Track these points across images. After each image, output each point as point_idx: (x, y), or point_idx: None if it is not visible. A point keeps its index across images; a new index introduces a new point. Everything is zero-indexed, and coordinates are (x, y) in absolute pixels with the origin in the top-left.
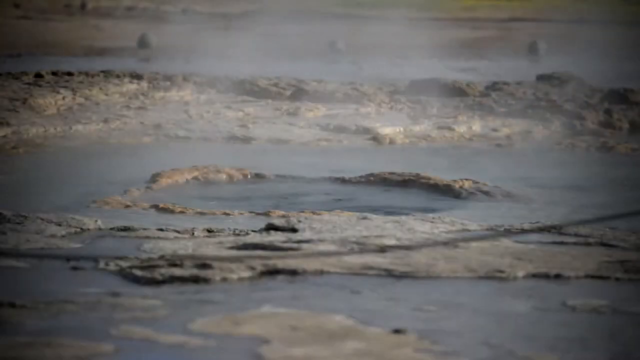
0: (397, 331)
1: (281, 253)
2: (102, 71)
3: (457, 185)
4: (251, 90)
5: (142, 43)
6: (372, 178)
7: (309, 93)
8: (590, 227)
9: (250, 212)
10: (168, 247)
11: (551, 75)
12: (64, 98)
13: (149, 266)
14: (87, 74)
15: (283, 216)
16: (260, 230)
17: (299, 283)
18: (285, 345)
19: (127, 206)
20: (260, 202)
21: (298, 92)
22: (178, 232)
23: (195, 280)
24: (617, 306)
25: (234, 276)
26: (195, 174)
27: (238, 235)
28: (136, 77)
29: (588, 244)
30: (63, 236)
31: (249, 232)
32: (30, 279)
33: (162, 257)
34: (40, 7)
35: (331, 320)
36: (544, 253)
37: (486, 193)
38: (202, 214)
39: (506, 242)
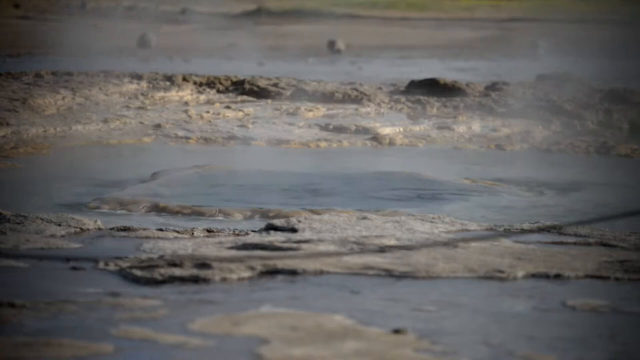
0: (396, 331)
1: (281, 253)
2: (102, 71)
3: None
4: (251, 90)
5: (142, 43)
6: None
7: (309, 93)
8: (590, 227)
9: (250, 212)
10: (168, 247)
11: (551, 75)
12: (63, 98)
13: (149, 266)
14: (87, 74)
15: (283, 216)
16: (260, 230)
17: (298, 283)
18: (285, 345)
19: (127, 206)
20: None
21: (298, 92)
22: (178, 232)
23: (195, 280)
24: (617, 306)
25: (234, 276)
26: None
27: (238, 235)
28: (136, 77)
29: (588, 244)
30: (63, 236)
31: (249, 232)
32: (30, 279)
33: (161, 257)
34: (40, 7)
35: (331, 320)
36: (544, 253)
37: (486, 193)
38: (201, 214)
39: (506, 242)
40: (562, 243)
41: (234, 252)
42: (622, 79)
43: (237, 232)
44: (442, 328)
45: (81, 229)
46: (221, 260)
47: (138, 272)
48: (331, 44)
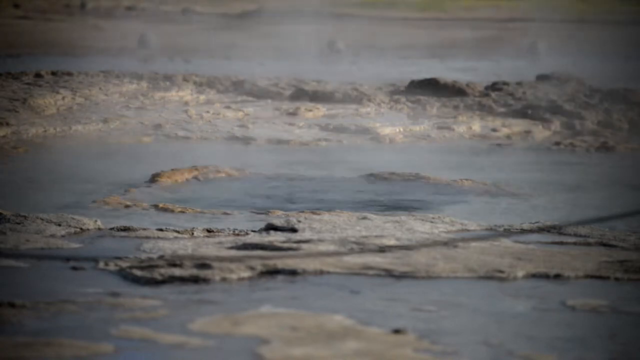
0: (396, 331)
1: (281, 253)
2: (102, 71)
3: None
4: (251, 90)
5: (142, 43)
6: (372, 178)
7: (309, 93)
8: (590, 227)
9: (251, 212)
10: (168, 247)
11: (551, 75)
12: (63, 98)
13: (149, 266)
14: (87, 74)
15: (283, 216)
16: (260, 230)
17: (298, 283)
18: (285, 345)
19: (127, 206)
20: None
21: (298, 92)
22: (178, 232)
23: (195, 280)
24: (617, 306)
25: (234, 276)
26: (195, 173)
27: (238, 235)
28: (136, 77)
29: (588, 244)
30: (63, 236)
31: (249, 232)
32: (30, 279)
33: (161, 257)
34: (40, 7)
35: (331, 320)
36: (544, 253)
37: (486, 193)
38: (202, 213)
39: (506, 242)
40: (562, 243)
41: (234, 252)
42: (622, 79)
43: (237, 232)
44: (442, 328)
45: (81, 229)
46: (221, 260)
47: (138, 272)
48: (331, 44)
